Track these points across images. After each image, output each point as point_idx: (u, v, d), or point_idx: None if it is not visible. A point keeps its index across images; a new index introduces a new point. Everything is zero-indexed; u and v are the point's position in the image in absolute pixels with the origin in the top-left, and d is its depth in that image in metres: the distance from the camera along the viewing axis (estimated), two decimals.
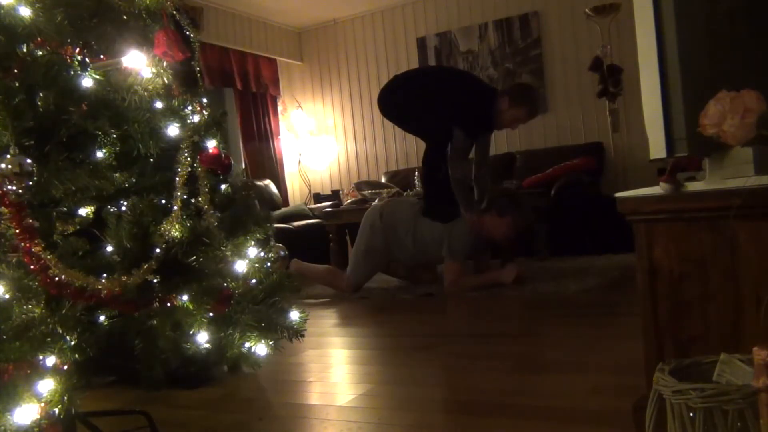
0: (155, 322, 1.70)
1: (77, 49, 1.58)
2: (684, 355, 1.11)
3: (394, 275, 4.19)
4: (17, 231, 1.37)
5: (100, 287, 1.47)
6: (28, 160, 1.36)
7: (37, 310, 1.38)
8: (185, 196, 1.71)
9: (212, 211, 1.79)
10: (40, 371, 1.32)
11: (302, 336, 2.11)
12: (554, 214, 4.77)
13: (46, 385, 1.31)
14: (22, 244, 1.37)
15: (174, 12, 1.81)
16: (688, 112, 1.14)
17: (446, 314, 3.29)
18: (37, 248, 1.38)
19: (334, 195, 6.38)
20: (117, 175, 1.71)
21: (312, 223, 5.67)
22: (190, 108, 1.81)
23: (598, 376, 1.84)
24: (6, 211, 1.37)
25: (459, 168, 3.75)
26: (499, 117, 3.77)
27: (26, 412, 1.27)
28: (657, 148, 1.19)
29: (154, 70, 1.69)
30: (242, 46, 6.37)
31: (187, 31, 1.84)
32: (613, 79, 5.01)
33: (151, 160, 1.78)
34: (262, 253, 1.91)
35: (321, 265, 4.26)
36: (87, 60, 1.59)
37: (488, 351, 2.33)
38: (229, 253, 1.79)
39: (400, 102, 3.96)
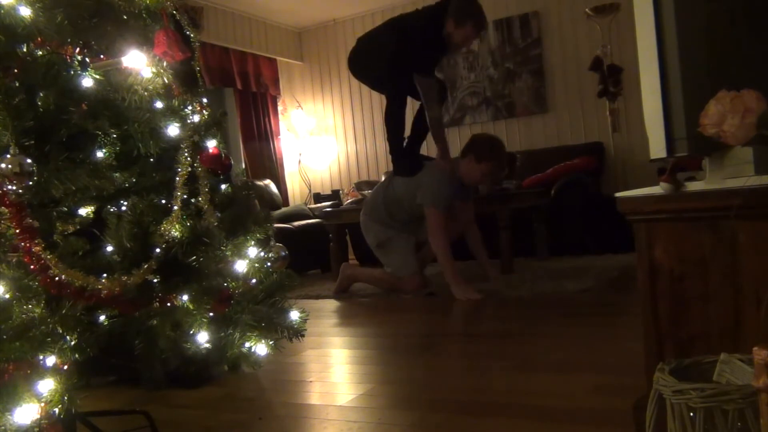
0: (155, 322, 1.70)
1: (77, 49, 1.59)
2: (684, 355, 1.11)
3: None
4: (17, 231, 1.37)
5: (100, 287, 1.47)
6: (28, 160, 1.36)
7: (37, 310, 1.38)
8: (185, 196, 1.71)
9: (212, 211, 1.79)
10: (40, 371, 1.32)
11: (302, 336, 2.11)
12: (554, 214, 4.77)
13: (46, 385, 1.31)
14: (22, 244, 1.37)
15: (174, 12, 1.81)
16: (688, 112, 1.14)
17: (446, 314, 3.28)
18: (37, 248, 1.38)
19: (334, 195, 6.38)
20: (117, 175, 1.71)
21: (312, 223, 5.67)
22: (190, 108, 1.81)
23: (598, 376, 1.84)
24: (6, 211, 1.37)
25: (432, 108, 3.73)
26: (450, 40, 3.73)
27: (26, 412, 1.27)
28: (657, 148, 1.19)
29: (154, 69, 1.69)
30: (242, 46, 6.37)
31: (187, 31, 1.84)
32: (613, 79, 5.01)
33: (151, 160, 1.78)
34: (262, 253, 1.91)
35: (374, 268, 4.16)
36: (87, 60, 1.59)
37: (488, 351, 2.33)
38: (229, 253, 1.79)
39: (362, 63, 4.00)
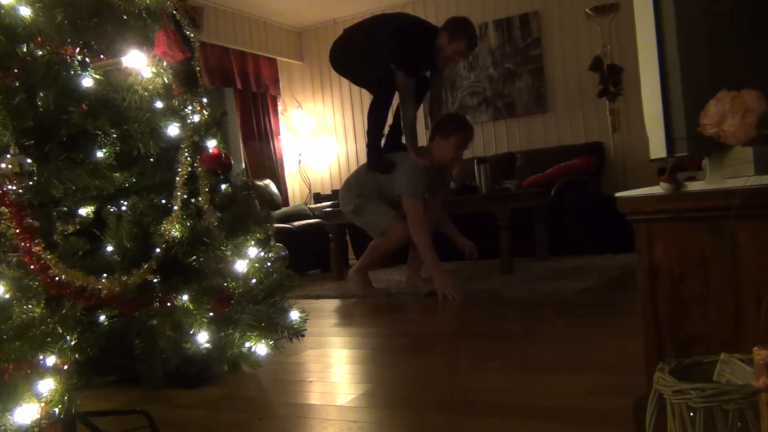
0: (155, 322, 1.70)
1: (77, 49, 1.59)
2: (684, 355, 1.11)
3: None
4: (17, 231, 1.37)
5: (100, 287, 1.47)
6: (28, 160, 1.36)
7: (37, 310, 1.38)
8: (185, 196, 1.71)
9: (212, 211, 1.79)
10: (40, 371, 1.32)
11: (302, 336, 2.11)
12: (554, 214, 4.77)
13: (46, 385, 1.31)
14: (22, 244, 1.37)
15: (174, 12, 1.81)
16: (688, 111, 1.14)
17: (446, 314, 3.28)
18: (37, 248, 1.38)
19: (334, 195, 6.37)
20: (117, 174, 1.71)
21: (312, 223, 5.67)
22: (190, 108, 1.81)
23: (598, 376, 1.84)
24: (6, 211, 1.37)
25: (407, 109, 3.76)
26: (441, 53, 3.78)
27: (26, 412, 1.27)
28: (657, 148, 1.19)
29: (154, 69, 1.69)
30: (242, 45, 6.37)
31: (187, 30, 1.84)
32: (613, 79, 5.01)
33: (151, 159, 1.78)
34: (262, 253, 1.91)
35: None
36: (87, 60, 1.59)
37: (488, 351, 2.33)
38: (229, 253, 1.79)
39: (344, 58, 4.04)
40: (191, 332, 1.74)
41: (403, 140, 3.87)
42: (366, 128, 4.00)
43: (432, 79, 4.01)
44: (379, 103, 3.88)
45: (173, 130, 1.76)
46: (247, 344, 1.99)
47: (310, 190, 7.01)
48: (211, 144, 1.87)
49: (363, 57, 3.88)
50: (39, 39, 1.50)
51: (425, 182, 3.76)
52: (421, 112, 4.13)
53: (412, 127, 3.78)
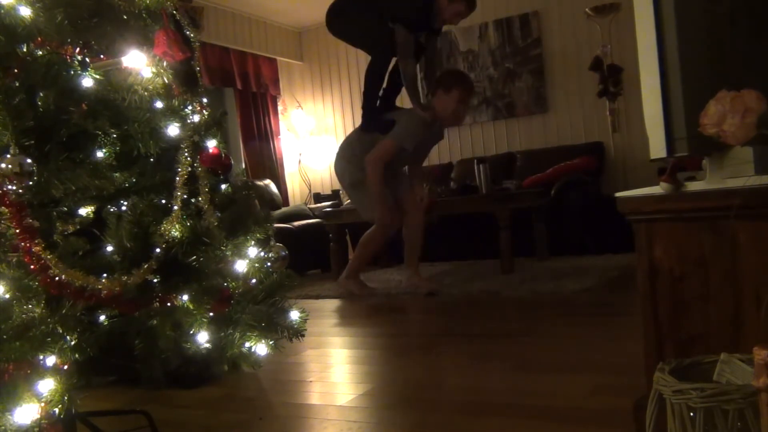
0: (155, 322, 1.70)
1: (77, 49, 1.59)
2: (684, 355, 1.11)
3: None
4: (17, 231, 1.37)
5: (100, 287, 1.47)
6: (28, 160, 1.36)
7: (37, 310, 1.38)
8: (185, 196, 1.72)
9: (212, 211, 1.79)
10: (40, 371, 1.32)
11: (302, 336, 2.11)
12: (554, 214, 4.77)
13: (46, 385, 1.31)
14: (22, 244, 1.37)
15: (174, 12, 1.81)
16: (688, 112, 1.14)
17: (446, 314, 3.28)
18: (37, 248, 1.38)
19: (335, 195, 6.37)
20: (117, 175, 1.71)
21: (312, 223, 5.67)
22: (190, 108, 1.81)
23: (598, 376, 1.84)
24: (6, 211, 1.37)
25: (407, 64, 3.75)
26: (441, 15, 3.78)
27: (26, 412, 1.27)
28: (657, 148, 1.19)
29: (154, 69, 1.69)
30: (242, 45, 6.37)
31: (187, 30, 1.84)
32: (613, 79, 5.01)
33: (151, 159, 1.78)
34: (262, 253, 1.91)
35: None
36: (87, 60, 1.59)
37: (488, 351, 2.33)
38: (229, 253, 1.79)
39: (341, 18, 3.98)
40: (191, 332, 1.74)
41: (397, 103, 3.86)
42: (363, 89, 3.97)
43: (427, 46, 3.99)
44: (377, 64, 3.87)
45: (173, 130, 1.76)
46: (247, 344, 1.99)
47: (310, 190, 7.01)
48: (211, 144, 1.87)
49: (361, 16, 3.86)
50: (39, 39, 1.50)
51: (418, 137, 3.75)
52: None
53: (413, 82, 3.77)
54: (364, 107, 3.96)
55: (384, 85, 3.95)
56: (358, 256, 3.97)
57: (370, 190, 3.72)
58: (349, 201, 5.32)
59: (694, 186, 1.18)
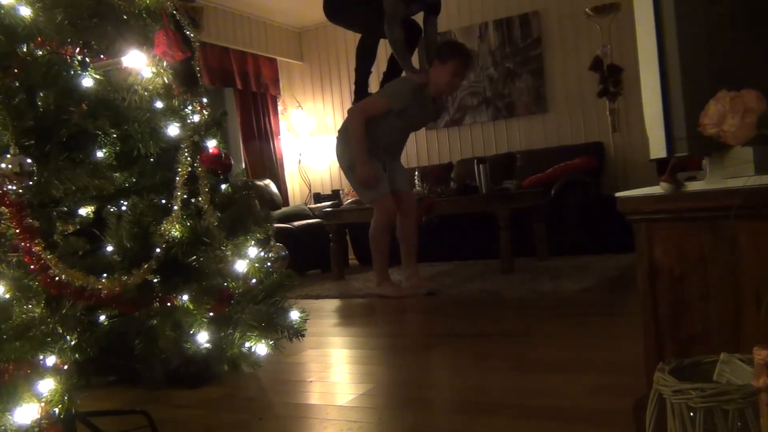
0: (155, 322, 1.70)
1: (77, 49, 1.59)
2: (684, 355, 1.11)
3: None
4: (17, 231, 1.37)
5: (100, 287, 1.47)
6: (29, 160, 1.36)
7: (37, 310, 1.38)
8: (185, 196, 1.72)
9: (212, 211, 1.79)
10: (40, 371, 1.32)
11: (302, 336, 2.11)
12: (554, 214, 4.77)
13: (46, 385, 1.31)
14: (22, 244, 1.37)
15: (174, 12, 1.81)
16: (688, 111, 1.14)
17: (446, 314, 3.28)
18: (37, 248, 1.38)
19: (335, 195, 6.37)
20: (117, 174, 1.71)
21: (312, 223, 5.67)
22: (190, 108, 1.81)
23: (598, 376, 1.84)
24: (6, 211, 1.37)
25: (394, 29, 3.72)
26: None
27: (26, 412, 1.27)
28: (657, 148, 1.19)
29: (154, 69, 1.69)
30: (242, 45, 6.37)
31: (187, 30, 1.84)
32: (613, 79, 5.01)
33: (151, 159, 1.78)
34: (262, 253, 1.91)
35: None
36: (87, 60, 1.59)
37: (488, 351, 2.33)
38: (229, 253, 1.79)
39: (338, 4, 4.03)
40: (191, 332, 1.74)
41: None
42: (355, 66, 3.99)
43: (425, 25, 3.99)
44: (369, 40, 3.88)
45: (173, 130, 1.76)
46: (247, 344, 1.99)
47: (310, 190, 7.01)
48: (211, 144, 1.87)
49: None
50: (39, 39, 1.50)
51: (408, 100, 3.70)
52: (415, 58, 4.08)
53: (401, 45, 3.77)
54: (356, 82, 3.98)
55: (385, 70, 3.97)
56: (375, 257, 3.90)
57: (351, 144, 3.67)
58: (349, 201, 5.32)
59: (694, 186, 1.18)
